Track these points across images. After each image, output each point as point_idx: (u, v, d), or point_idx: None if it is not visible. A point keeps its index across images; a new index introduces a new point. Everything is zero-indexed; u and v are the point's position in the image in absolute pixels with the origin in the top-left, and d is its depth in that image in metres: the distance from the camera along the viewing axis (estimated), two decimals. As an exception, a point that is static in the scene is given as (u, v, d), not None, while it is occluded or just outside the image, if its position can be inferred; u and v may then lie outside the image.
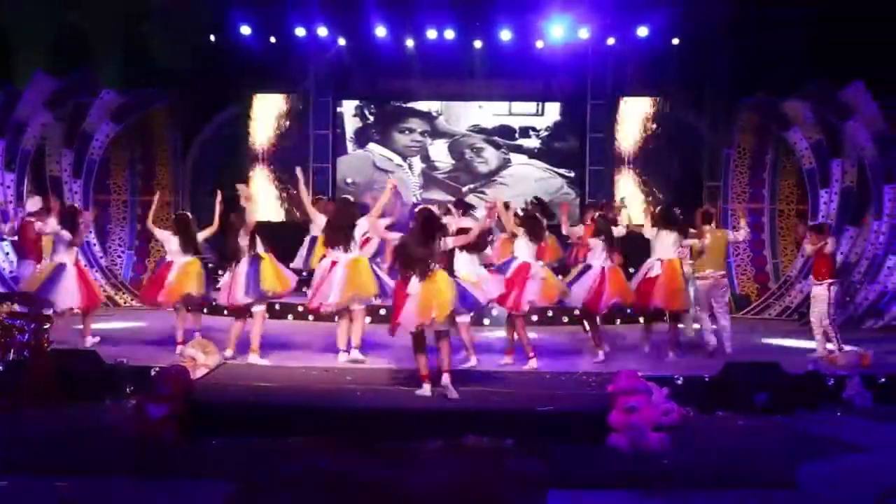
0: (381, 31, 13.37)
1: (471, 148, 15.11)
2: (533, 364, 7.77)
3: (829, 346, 8.35)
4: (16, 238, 10.13)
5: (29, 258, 9.58)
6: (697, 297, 8.77)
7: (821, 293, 8.42)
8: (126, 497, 4.88)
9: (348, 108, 15.13)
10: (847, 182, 11.72)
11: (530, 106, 15.04)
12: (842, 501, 4.89)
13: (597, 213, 9.21)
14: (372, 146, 15.15)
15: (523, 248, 7.95)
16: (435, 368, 6.54)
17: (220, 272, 9.24)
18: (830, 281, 8.42)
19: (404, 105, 15.10)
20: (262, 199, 13.78)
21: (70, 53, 11.62)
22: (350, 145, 15.16)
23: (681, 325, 8.92)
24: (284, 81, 14.06)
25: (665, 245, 8.30)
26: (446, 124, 15.10)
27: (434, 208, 6.93)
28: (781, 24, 11.44)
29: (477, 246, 7.50)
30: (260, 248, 7.93)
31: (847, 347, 8.26)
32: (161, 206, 13.44)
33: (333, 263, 7.84)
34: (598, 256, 8.15)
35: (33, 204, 9.72)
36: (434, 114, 15.09)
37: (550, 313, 10.56)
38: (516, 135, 15.06)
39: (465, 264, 7.29)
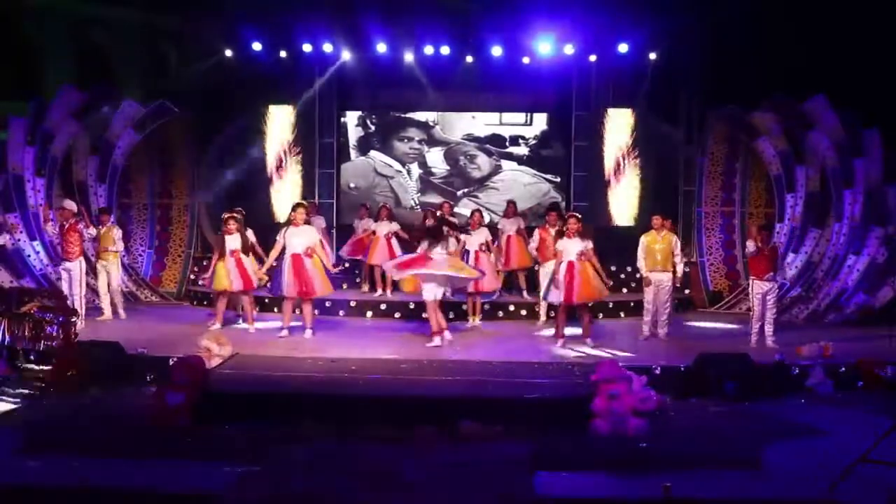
0: (381, 47, 13.35)
1: (465, 155, 15.10)
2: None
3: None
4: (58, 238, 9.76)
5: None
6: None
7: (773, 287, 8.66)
8: (142, 477, 4.86)
9: (351, 118, 15.09)
10: (811, 187, 11.75)
11: (519, 116, 14.99)
12: (802, 480, 4.90)
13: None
14: (373, 153, 15.12)
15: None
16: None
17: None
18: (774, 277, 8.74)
19: (403, 115, 15.05)
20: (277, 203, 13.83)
21: (95, 69, 11.60)
22: (353, 153, 15.12)
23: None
24: (293, 94, 13.98)
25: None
26: (442, 133, 15.09)
27: None
28: (749, 42, 11.47)
29: None
30: None
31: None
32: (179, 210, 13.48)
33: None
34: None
35: (71, 205, 9.63)
36: (431, 123, 15.07)
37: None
38: (507, 143, 15.03)
39: None
